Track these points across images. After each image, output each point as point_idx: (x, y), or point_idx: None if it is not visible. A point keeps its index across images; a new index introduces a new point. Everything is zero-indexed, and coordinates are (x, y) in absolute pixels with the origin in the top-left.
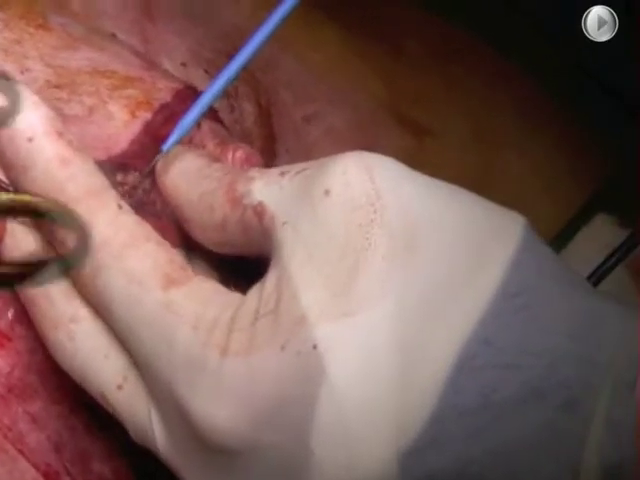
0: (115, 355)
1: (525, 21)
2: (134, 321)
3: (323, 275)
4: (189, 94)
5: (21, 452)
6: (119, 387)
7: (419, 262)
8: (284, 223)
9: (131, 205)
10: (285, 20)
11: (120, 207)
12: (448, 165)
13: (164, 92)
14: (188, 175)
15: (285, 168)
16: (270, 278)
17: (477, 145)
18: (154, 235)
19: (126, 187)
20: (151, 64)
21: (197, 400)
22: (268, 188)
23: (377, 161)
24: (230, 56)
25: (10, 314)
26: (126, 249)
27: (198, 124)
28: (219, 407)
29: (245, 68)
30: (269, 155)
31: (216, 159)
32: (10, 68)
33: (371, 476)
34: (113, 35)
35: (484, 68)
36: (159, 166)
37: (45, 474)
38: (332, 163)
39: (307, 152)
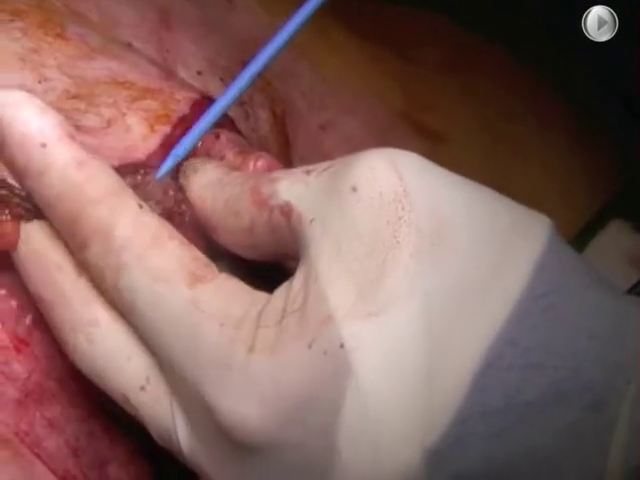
0: (137, 356)
1: (525, 20)
2: (159, 320)
3: (351, 272)
4: (206, 104)
5: (39, 457)
6: (142, 388)
7: (447, 260)
8: (312, 220)
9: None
10: (301, 28)
11: (141, 207)
12: (464, 171)
13: (182, 103)
14: (211, 186)
15: (310, 167)
16: (298, 276)
17: (493, 151)
18: (176, 234)
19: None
20: (169, 73)
21: (223, 397)
22: (294, 187)
23: (404, 158)
24: (246, 64)
25: (28, 320)
26: (149, 248)
27: (217, 135)
28: (245, 405)
29: (260, 75)
30: (285, 163)
31: (235, 168)
32: (28, 77)
33: (397, 475)
34: (129, 44)
35: (499, 74)
36: (183, 181)
37: (63, 479)
38: (359, 160)
39: (322, 160)
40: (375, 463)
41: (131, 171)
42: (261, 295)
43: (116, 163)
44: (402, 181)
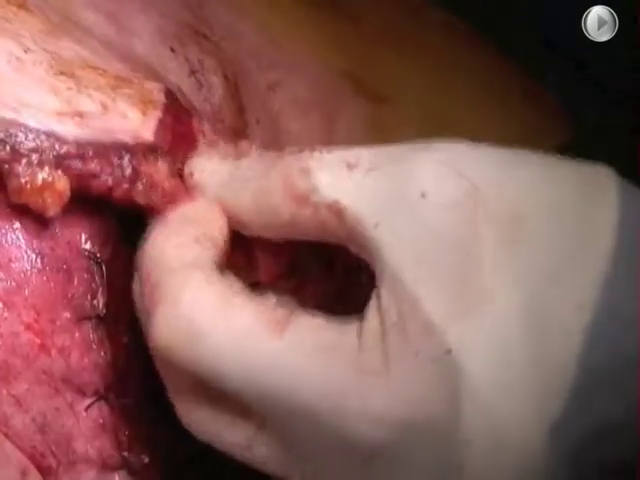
0: (239, 421)
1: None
2: (252, 374)
3: (439, 277)
4: (171, 93)
5: (6, 435)
6: (248, 447)
7: (529, 244)
8: (376, 225)
9: None
10: None
11: (209, 277)
12: (408, 131)
13: (156, 93)
14: (226, 184)
15: (346, 156)
16: (384, 289)
17: (436, 111)
18: (247, 292)
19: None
20: (127, 58)
21: (347, 422)
22: (340, 185)
23: (460, 152)
24: (191, 27)
25: None
26: (221, 310)
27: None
28: (369, 424)
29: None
30: (241, 127)
31: (238, 154)
32: (11, 46)
33: (521, 457)
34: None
35: (442, 32)
36: (193, 183)
37: (31, 456)
38: (417, 163)
39: (275, 121)
40: (499, 451)
41: (149, 150)
42: (345, 321)
43: (131, 142)
44: (468, 178)
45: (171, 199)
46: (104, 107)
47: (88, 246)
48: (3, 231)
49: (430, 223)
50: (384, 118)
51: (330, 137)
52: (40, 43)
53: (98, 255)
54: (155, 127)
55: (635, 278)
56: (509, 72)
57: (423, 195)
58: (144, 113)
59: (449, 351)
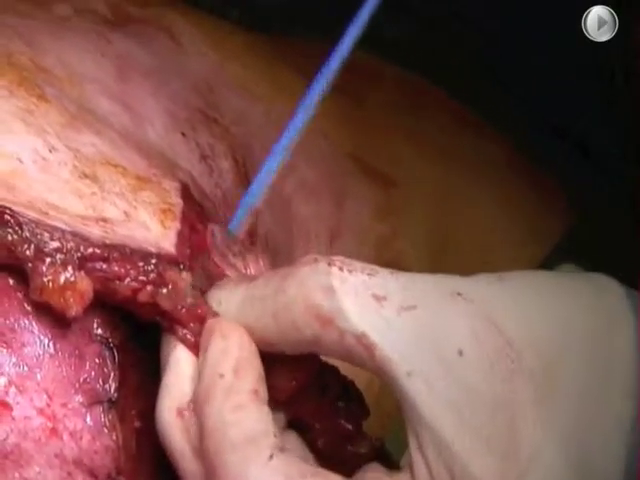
0: None
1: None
2: None
3: (484, 440)
4: (187, 191)
5: None
6: None
7: (564, 392)
8: (409, 374)
9: None
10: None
11: (271, 457)
12: (415, 216)
13: (174, 195)
14: (244, 307)
15: (371, 284)
16: (429, 450)
17: (442, 194)
18: (307, 468)
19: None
20: (143, 149)
21: None
22: (369, 318)
23: (489, 299)
24: (202, 112)
25: (4, 380)
26: None
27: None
28: None
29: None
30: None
31: (252, 276)
32: (36, 143)
33: None
34: (99, 109)
35: (443, 115)
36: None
37: None
38: (452, 315)
39: (285, 206)
40: None
41: (172, 261)
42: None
43: (155, 251)
44: (503, 334)
45: (195, 315)
46: (127, 215)
47: (100, 331)
48: (16, 316)
49: (468, 382)
50: (392, 201)
51: (338, 221)
52: (63, 139)
53: (110, 340)
54: (175, 241)
55: None
56: (513, 158)
57: (460, 353)
58: (164, 225)
59: None
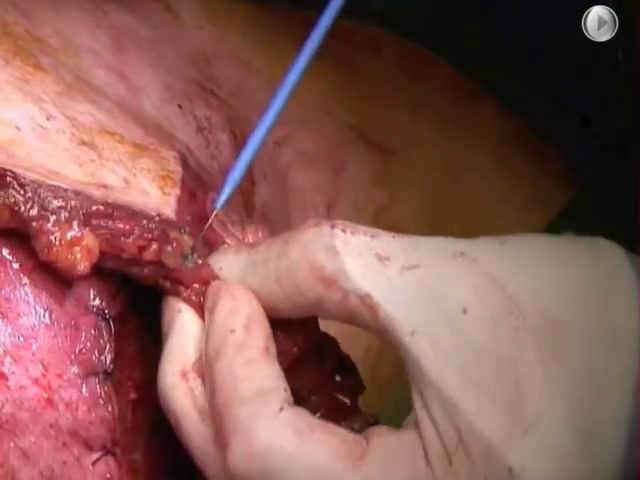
0: None
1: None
2: None
3: (490, 397)
4: (185, 160)
5: None
6: None
7: (567, 350)
8: (413, 333)
9: None
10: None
11: (281, 410)
12: (413, 184)
13: (172, 163)
14: (247, 272)
15: (374, 245)
16: (435, 408)
17: (442, 163)
18: (315, 422)
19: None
20: (139, 119)
21: None
22: (372, 278)
23: (492, 257)
24: (199, 84)
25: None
26: (297, 447)
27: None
28: None
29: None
30: (248, 184)
31: (252, 243)
32: (34, 112)
33: None
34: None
35: (445, 85)
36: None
37: None
38: (454, 273)
39: (281, 177)
40: None
41: (174, 225)
42: (410, 444)
43: (157, 217)
44: (506, 292)
45: (199, 276)
46: (126, 182)
47: (96, 302)
48: (12, 286)
49: (472, 340)
50: (391, 169)
51: (336, 190)
52: (60, 107)
53: (106, 311)
54: (175, 207)
55: None
56: (515, 126)
57: (464, 311)
58: (163, 191)
59: (510, 470)
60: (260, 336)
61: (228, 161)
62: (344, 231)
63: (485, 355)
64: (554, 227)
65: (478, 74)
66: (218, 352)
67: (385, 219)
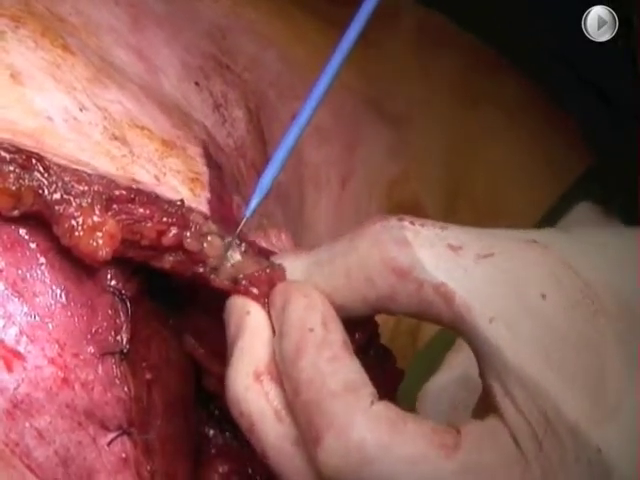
0: None
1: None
2: None
3: (573, 380)
4: (209, 155)
5: (29, 467)
6: None
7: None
8: (491, 320)
9: None
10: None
11: (372, 403)
12: (429, 156)
13: (199, 163)
14: (311, 271)
15: (444, 235)
16: (518, 392)
17: (456, 132)
18: (405, 413)
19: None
20: (163, 105)
21: None
22: (446, 266)
23: (568, 252)
24: (215, 58)
25: (16, 329)
26: (392, 438)
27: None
28: None
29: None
30: (262, 160)
31: (308, 247)
32: (67, 102)
33: None
34: (117, 61)
35: (462, 55)
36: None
37: None
38: (532, 260)
39: (296, 153)
40: None
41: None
42: (495, 433)
43: (178, 202)
44: (581, 277)
45: (266, 278)
46: (158, 179)
47: (113, 283)
48: (28, 266)
49: (552, 324)
50: (406, 142)
51: (351, 165)
52: (91, 96)
53: (122, 292)
54: (208, 207)
55: None
56: (532, 95)
57: (543, 296)
58: (194, 193)
59: (599, 451)
60: (338, 332)
61: (243, 138)
62: (412, 223)
63: (566, 339)
64: (568, 196)
65: (496, 43)
66: (299, 350)
67: (399, 193)
